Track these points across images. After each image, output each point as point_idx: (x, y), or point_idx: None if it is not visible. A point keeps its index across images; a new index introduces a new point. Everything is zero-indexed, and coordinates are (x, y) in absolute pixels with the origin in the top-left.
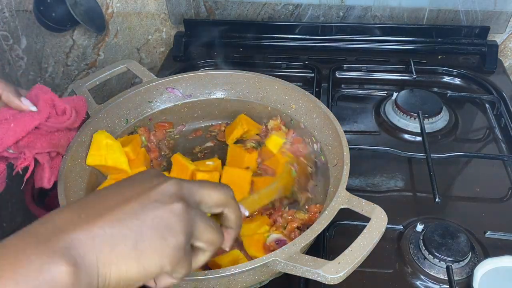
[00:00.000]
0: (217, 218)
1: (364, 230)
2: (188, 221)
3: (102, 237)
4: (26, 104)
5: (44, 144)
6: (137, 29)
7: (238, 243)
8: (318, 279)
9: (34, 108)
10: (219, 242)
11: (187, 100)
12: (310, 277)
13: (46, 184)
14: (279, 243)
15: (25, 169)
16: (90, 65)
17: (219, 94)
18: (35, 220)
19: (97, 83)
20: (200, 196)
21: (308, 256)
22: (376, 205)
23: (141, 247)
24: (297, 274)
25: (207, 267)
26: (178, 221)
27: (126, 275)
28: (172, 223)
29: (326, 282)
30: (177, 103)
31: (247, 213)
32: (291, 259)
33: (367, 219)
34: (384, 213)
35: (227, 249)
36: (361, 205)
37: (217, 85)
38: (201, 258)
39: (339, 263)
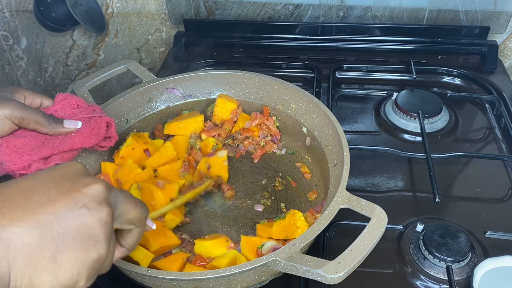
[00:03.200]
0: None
1: (364, 230)
2: (111, 228)
3: (18, 245)
4: (68, 126)
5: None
6: (137, 29)
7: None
8: (318, 279)
9: (79, 125)
10: (145, 214)
11: (188, 100)
12: (310, 277)
13: None
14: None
15: None
16: (90, 65)
17: (219, 94)
18: None
19: (97, 83)
20: (122, 210)
21: (308, 256)
22: (376, 205)
23: (60, 259)
24: (297, 274)
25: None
26: (103, 231)
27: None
28: (97, 233)
29: (326, 282)
30: (177, 103)
31: (154, 227)
32: (291, 259)
33: (367, 219)
34: (384, 213)
35: (107, 269)
36: (361, 205)
37: (217, 85)
38: (134, 237)
39: (339, 263)
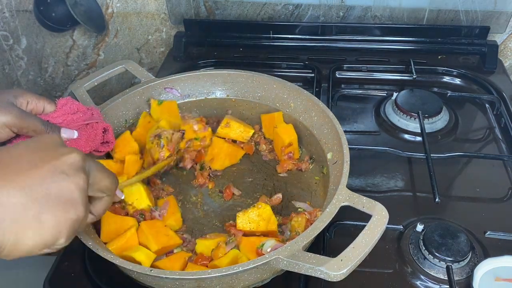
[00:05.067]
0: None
1: (366, 227)
2: (87, 193)
3: (6, 207)
4: (64, 136)
5: None
6: (137, 29)
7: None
8: (321, 276)
9: (75, 135)
10: (115, 184)
11: (186, 100)
12: (313, 275)
13: None
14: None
15: None
16: (90, 65)
17: (217, 94)
18: None
19: (95, 83)
20: (94, 178)
21: (311, 253)
22: (377, 202)
23: (43, 218)
24: (300, 272)
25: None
26: (80, 195)
27: (24, 245)
28: (75, 197)
29: (329, 279)
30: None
31: (122, 196)
32: (294, 257)
33: (367, 219)
34: (385, 210)
35: (81, 229)
36: (362, 202)
37: (215, 85)
38: (103, 204)
39: (341, 260)
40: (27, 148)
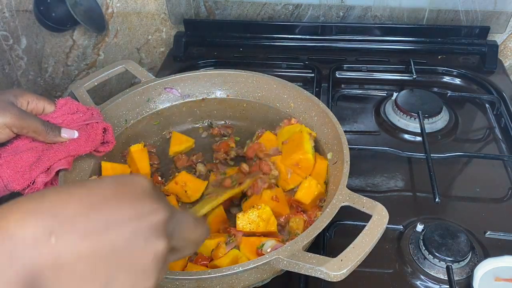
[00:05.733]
0: None
1: (366, 227)
2: (164, 261)
3: (70, 272)
4: (65, 136)
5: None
6: (137, 29)
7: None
8: (321, 276)
9: (76, 135)
10: (204, 236)
11: (186, 100)
12: (313, 275)
13: None
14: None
15: None
16: (90, 65)
17: (217, 94)
18: None
19: (95, 83)
20: (182, 233)
21: (311, 253)
22: (377, 202)
23: (110, 285)
24: (300, 272)
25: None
26: (155, 267)
27: None
28: (149, 269)
29: (329, 279)
30: (176, 103)
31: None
32: (294, 256)
33: (367, 219)
34: (385, 210)
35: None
36: (362, 202)
37: (215, 85)
38: (182, 254)
39: (341, 260)
40: (102, 196)
